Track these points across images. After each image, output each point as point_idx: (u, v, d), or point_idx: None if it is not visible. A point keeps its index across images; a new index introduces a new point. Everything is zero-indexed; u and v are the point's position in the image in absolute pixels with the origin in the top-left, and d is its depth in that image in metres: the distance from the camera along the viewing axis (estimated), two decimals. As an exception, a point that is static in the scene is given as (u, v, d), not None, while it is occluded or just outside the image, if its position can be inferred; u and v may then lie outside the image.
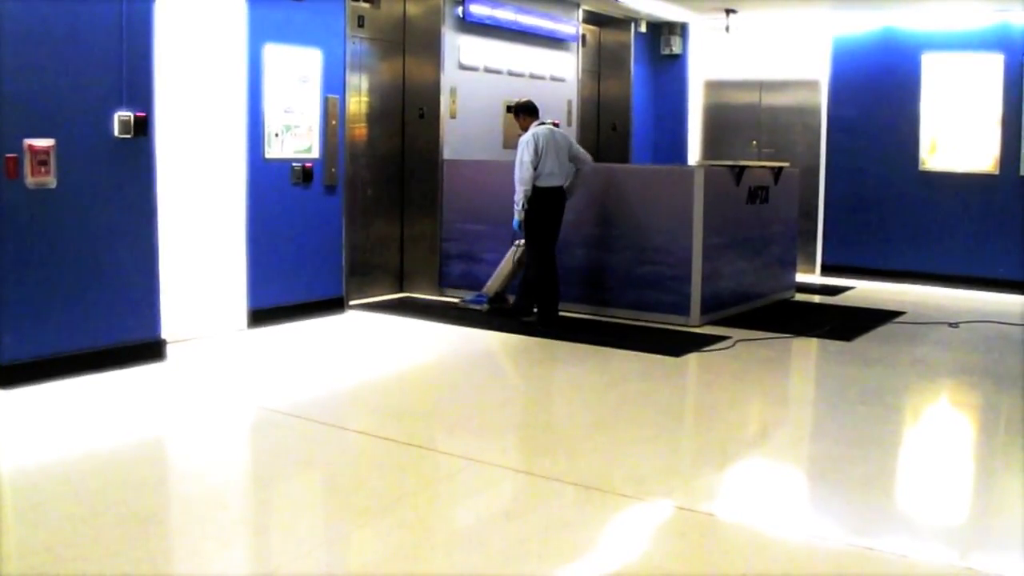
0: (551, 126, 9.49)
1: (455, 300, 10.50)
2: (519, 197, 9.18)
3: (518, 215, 9.24)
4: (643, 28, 14.44)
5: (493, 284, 10.12)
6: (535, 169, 9.15)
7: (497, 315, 9.75)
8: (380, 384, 7.54)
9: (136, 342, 7.57)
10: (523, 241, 9.68)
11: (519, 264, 9.93)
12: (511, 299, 9.95)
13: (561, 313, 9.54)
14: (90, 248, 7.25)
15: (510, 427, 6.68)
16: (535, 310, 9.44)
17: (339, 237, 9.81)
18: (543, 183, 9.22)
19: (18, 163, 6.75)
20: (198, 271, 8.56)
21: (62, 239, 7.06)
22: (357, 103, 10.50)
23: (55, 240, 7.02)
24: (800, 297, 11.66)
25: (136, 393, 6.92)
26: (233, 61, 8.75)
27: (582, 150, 9.64)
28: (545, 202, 9.27)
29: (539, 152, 9.16)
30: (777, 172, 10.96)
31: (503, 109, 11.54)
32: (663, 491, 5.25)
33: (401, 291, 11.16)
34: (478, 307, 10.03)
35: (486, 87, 11.42)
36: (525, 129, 9.42)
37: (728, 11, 13.39)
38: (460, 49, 11.11)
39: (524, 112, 9.61)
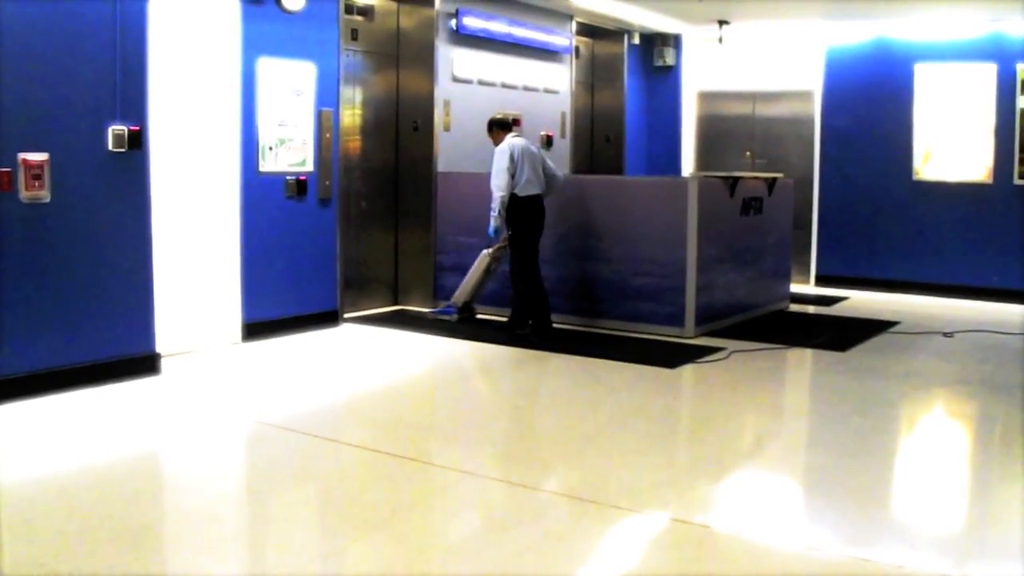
0: (525, 139, 9.63)
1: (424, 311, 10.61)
2: (496, 204, 9.24)
3: (494, 221, 9.29)
4: (636, 40, 14.46)
5: (460, 295, 10.23)
6: (512, 177, 9.21)
7: (471, 324, 9.93)
8: (375, 397, 7.53)
9: (130, 356, 7.56)
10: (490, 250, 9.97)
11: (487, 274, 10.14)
12: (476, 309, 10.31)
13: (555, 325, 9.54)
14: (84, 262, 7.24)
15: (505, 440, 6.68)
16: (529, 322, 9.45)
17: (333, 250, 9.81)
18: (522, 191, 9.27)
19: (12, 177, 6.74)
20: (192, 284, 8.56)
21: (56, 253, 7.06)
22: (351, 116, 10.51)
23: (49, 254, 7.01)
24: (795, 308, 11.66)
25: (131, 407, 6.91)
26: (227, 75, 8.76)
27: (552, 165, 9.72)
28: (526, 211, 9.32)
29: (515, 160, 9.22)
30: (771, 183, 10.97)
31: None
32: (658, 503, 5.25)
33: (396, 304, 11.15)
34: (447, 317, 10.17)
35: (480, 99, 11.43)
36: (498, 144, 9.47)
37: (721, 22, 13.43)
38: (454, 62, 11.13)
39: (499, 127, 9.68)
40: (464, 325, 10.01)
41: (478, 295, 10.27)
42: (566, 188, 10.09)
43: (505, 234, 9.72)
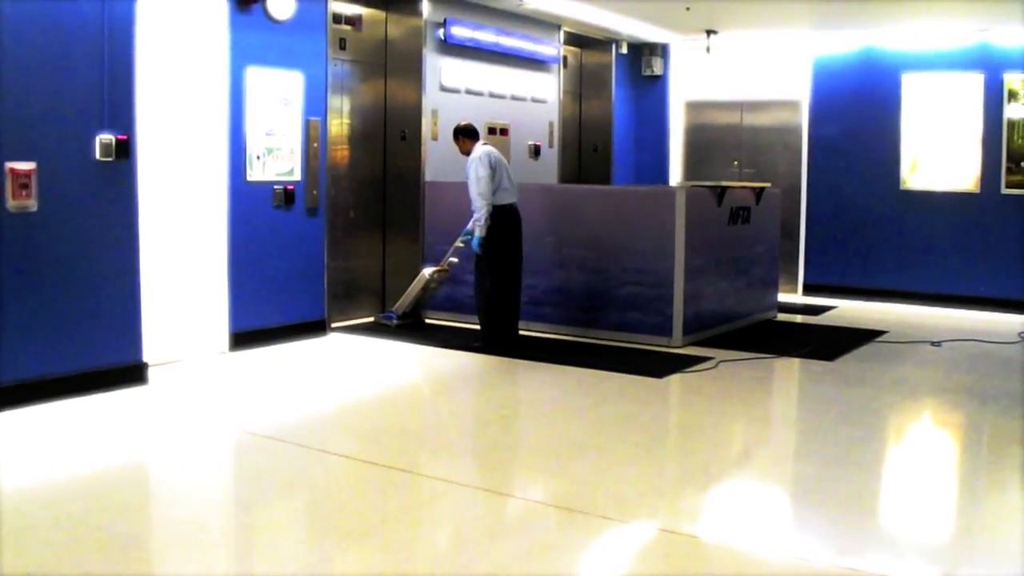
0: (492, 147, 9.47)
1: (434, 322, 10.69)
2: (482, 213, 9.02)
3: (480, 232, 9.07)
4: (624, 49, 14.50)
5: (401, 304, 10.46)
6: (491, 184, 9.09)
7: (411, 329, 10.27)
8: (362, 407, 7.52)
9: (118, 365, 7.54)
10: (429, 270, 10.15)
11: (424, 291, 10.31)
12: (424, 314, 10.65)
13: (544, 335, 9.52)
14: (71, 271, 7.22)
15: (492, 449, 6.67)
16: (481, 329, 9.43)
17: (321, 259, 9.80)
18: (498, 200, 9.13)
19: (-2, 187, 6.74)
20: (180, 294, 8.54)
21: (43, 262, 7.03)
22: (339, 125, 10.51)
23: (36, 263, 6.99)
24: (782, 317, 11.68)
25: (118, 417, 6.89)
26: (215, 84, 8.75)
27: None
28: (502, 220, 9.17)
29: (493, 167, 9.08)
30: (759, 192, 10.98)
31: (485, 131, 11.55)
32: (646, 513, 5.24)
33: (383, 313, 11.13)
34: (388, 322, 10.44)
35: (467, 109, 11.42)
36: (467, 151, 9.33)
37: (709, 32, 13.47)
38: (442, 71, 11.14)
39: (465, 135, 9.45)
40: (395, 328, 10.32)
41: (421, 307, 10.55)
42: (554, 197, 10.10)
43: (447, 258, 10.07)
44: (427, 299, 10.52)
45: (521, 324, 9.59)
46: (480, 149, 9.22)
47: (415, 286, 10.31)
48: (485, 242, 9.15)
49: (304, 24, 9.47)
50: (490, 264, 9.22)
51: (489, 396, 8.28)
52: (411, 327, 10.34)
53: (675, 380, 8.32)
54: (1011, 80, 12.28)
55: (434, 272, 10.23)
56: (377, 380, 8.42)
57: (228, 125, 8.85)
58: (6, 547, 4.61)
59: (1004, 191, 12.37)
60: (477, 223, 9.10)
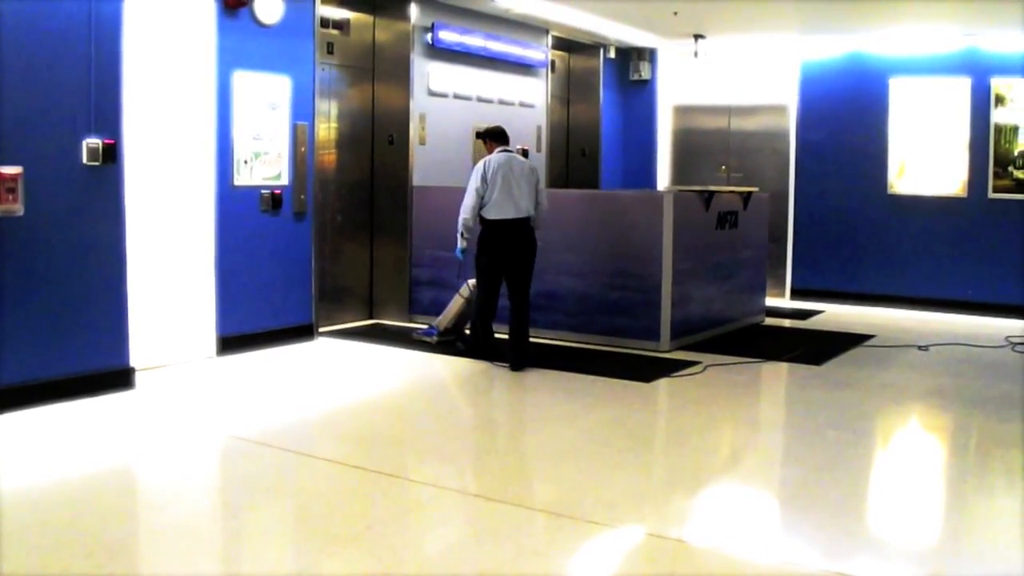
0: (514, 155, 8.98)
1: (420, 327, 10.44)
2: (459, 226, 8.79)
3: (460, 242, 8.84)
4: (612, 54, 14.50)
5: (443, 320, 9.97)
6: (482, 198, 8.71)
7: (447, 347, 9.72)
8: (350, 412, 7.50)
9: (105, 370, 7.51)
10: (472, 281, 9.60)
11: (468, 304, 9.80)
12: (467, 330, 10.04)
13: (532, 340, 9.46)
14: (58, 276, 7.19)
15: (480, 454, 6.67)
16: (469, 334, 9.34)
17: (308, 264, 9.78)
18: (490, 214, 8.69)
19: (-16, 191, 6.71)
20: (167, 298, 8.51)
21: (30, 267, 7.00)
22: (326, 130, 10.49)
23: (23, 268, 6.96)
24: (770, 321, 11.69)
25: (105, 422, 6.86)
26: (202, 88, 8.73)
27: (544, 193, 9.10)
28: (491, 235, 8.75)
29: (487, 180, 8.66)
30: (746, 197, 10.99)
31: (472, 135, 11.55)
32: (634, 517, 5.24)
33: (371, 318, 11.12)
34: (428, 339, 9.88)
35: (455, 113, 11.42)
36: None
37: (697, 36, 13.47)
38: (429, 75, 11.13)
39: (491, 138, 9.13)
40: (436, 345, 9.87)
41: (463, 322, 9.92)
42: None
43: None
44: (470, 312, 9.86)
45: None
46: (488, 157, 8.85)
47: (456, 300, 9.88)
48: (478, 254, 8.88)
49: (292, 28, 9.45)
50: (477, 276, 9.05)
51: (477, 401, 8.27)
52: (447, 344, 9.78)
53: (663, 384, 8.32)
54: (998, 85, 12.32)
55: (474, 284, 9.62)
56: (365, 384, 8.40)
57: (215, 129, 8.82)
58: (-9, 553, 4.60)
59: (991, 196, 12.40)
60: (456, 233, 8.89)
